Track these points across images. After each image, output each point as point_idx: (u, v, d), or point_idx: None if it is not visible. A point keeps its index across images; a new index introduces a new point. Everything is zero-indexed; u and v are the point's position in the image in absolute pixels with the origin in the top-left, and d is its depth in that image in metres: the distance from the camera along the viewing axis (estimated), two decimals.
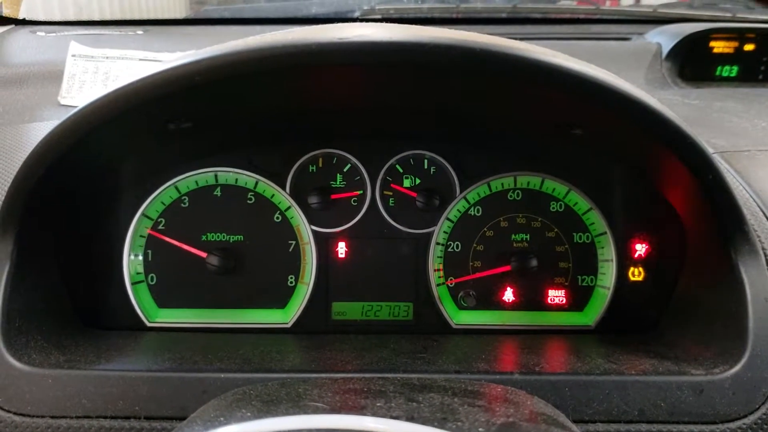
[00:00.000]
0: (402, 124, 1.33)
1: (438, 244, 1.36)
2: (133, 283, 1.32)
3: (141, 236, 1.33)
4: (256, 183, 1.35)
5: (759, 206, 1.13)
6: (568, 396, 0.96)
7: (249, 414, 0.74)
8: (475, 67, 0.88)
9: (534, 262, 1.32)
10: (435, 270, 1.36)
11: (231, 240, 1.35)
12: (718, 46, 1.92)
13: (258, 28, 2.04)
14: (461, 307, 1.36)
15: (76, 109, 0.94)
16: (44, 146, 0.98)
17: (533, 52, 0.87)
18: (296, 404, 0.78)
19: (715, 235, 1.06)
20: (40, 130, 1.40)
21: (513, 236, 1.36)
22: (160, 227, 1.34)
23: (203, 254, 1.32)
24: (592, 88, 0.89)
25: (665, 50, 1.90)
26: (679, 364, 1.03)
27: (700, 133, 0.97)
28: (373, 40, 0.85)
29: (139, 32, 1.98)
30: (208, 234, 1.34)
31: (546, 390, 0.96)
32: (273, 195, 1.35)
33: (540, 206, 1.36)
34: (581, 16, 2.23)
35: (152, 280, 1.34)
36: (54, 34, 1.93)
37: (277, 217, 1.36)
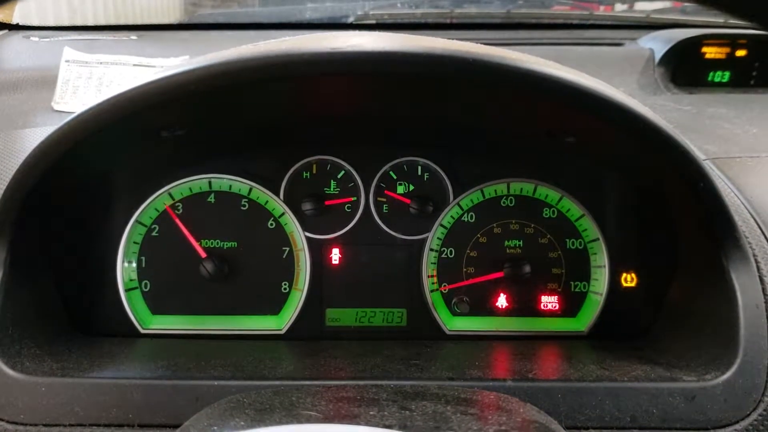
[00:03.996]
0: (395, 131, 1.33)
1: (432, 250, 1.36)
2: (126, 290, 1.32)
3: (135, 243, 1.33)
4: (250, 189, 1.35)
5: (750, 213, 1.13)
6: (561, 402, 0.96)
7: (242, 422, 0.74)
8: (468, 77, 0.88)
9: (527, 269, 1.33)
10: (429, 276, 1.36)
11: (225, 246, 1.35)
12: (711, 52, 1.93)
13: (252, 33, 2.04)
14: (455, 313, 1.36)
15: (70, 117, 0.94)
16: (38, 153, 0.98)
17: (526, 62, 0.87)
18: (290, 412, 0.78)
19: (706, 241, 1.06)
20: (34, 135, 1.40)
21: (506, 242, 1.37)
22: (153, 233, 1.33)
23: (203, 253, 1.32)
24: (585, 97, 0.90)
25: (658, 56, 1.90)
26: (671, 370, 1.03)
27: (692, 140, 0.98)
28: (365, 51, 0.85)
29: (133, 37, 1.97)
30: (202, 240, 1.34)
31: (539, 396, 0.96)
32: (267, 201, 1.36)
33: (533, 213, 1.37)
34: (574, 22, 2.23)
35: (146, 286, 1.34)
36: (48, 40, 1.93)
37: (271, 224, 1.36)
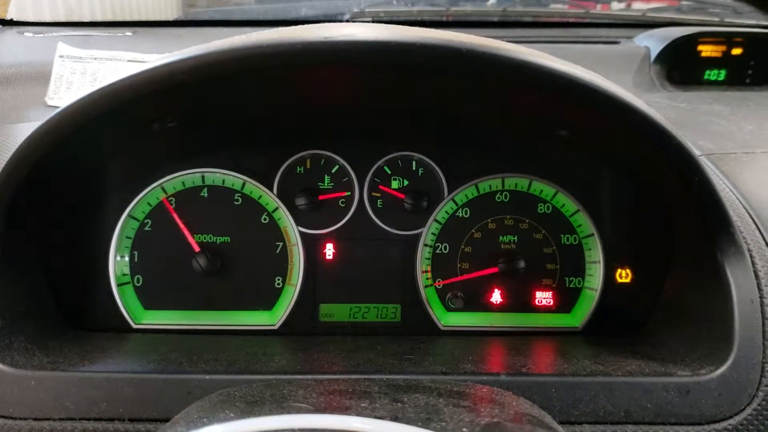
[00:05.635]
0: (390, 126, 1.33)
1: (426, 245, 1.36)
2: (119, 285, 1.31)
3: (127, 237, 1.32)
4: (243, 184, 1.34)
5: (745, 208, 1.13)
6: (555, 397, 0.96)
7: (232, 415, 0.74)
8: (461, 67, 0.88)
9: (522, 264, 1.32)
10: (423, 272, 1.36)
11: (218, 241, 1.34)
12: (706, 50, 1.93)
13: (248, 29, 2.02)
14: (449, 309, 1.36)
15: (59, 109, 0.93)
16: (28, 146, 0.97)
17: (519, 52, 0.87)
18: (280, 405, 0.78)
19: (701, 236, 1.06)
20: (26, 130, 1.38)
21: (501, 238, 1.36)
22: (146, 228, 1.33)
23: (196, 248, 1.32)
24: (579, 89, 0.89)
25: (653, 54, 1.91)
26: (665, 365, 1.03)
27: (687, 136, 0.97)
28: (358, 40, 0.85)
29: (128, 33, 1.97)
30: (195, 235, 1.33)
31: (532, 391, 0.96)
32: (260, 196, 1.35)
33: (527, 208, 1.36)
34: (571, 20, 2.24)
35: (138, 281, 1.33)
36: (42, 35, 1.92)
37: (265, 219, 1.35)
